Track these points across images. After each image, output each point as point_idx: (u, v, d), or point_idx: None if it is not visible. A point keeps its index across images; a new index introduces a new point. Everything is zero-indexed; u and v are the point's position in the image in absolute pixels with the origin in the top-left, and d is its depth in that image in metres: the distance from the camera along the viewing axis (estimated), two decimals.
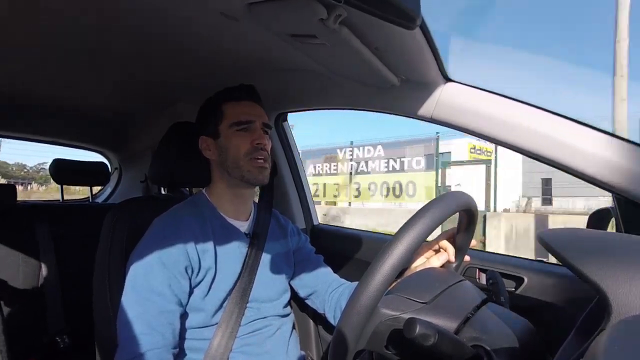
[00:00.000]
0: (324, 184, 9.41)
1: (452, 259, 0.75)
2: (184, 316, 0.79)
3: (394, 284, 0.60)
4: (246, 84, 0.90)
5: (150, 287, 0.73)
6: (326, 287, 0.98)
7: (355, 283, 0.65)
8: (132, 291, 0.74)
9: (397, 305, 0.54)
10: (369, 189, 8.72)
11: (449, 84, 0.81)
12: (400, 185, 8.15)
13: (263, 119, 0.89)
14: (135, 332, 0.70)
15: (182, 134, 0.97)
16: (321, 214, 8.00)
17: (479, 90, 0.78)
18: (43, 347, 1.29)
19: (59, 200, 1.74)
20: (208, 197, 0.90)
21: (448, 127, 0.82)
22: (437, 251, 0.79)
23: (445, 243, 0.77)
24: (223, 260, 0.83)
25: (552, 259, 0.54)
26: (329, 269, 1.04)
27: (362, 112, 1.05)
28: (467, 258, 0.79)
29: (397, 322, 0.51)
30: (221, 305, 0.82)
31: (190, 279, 0.78)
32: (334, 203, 9.69)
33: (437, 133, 7.68)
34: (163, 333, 0.72)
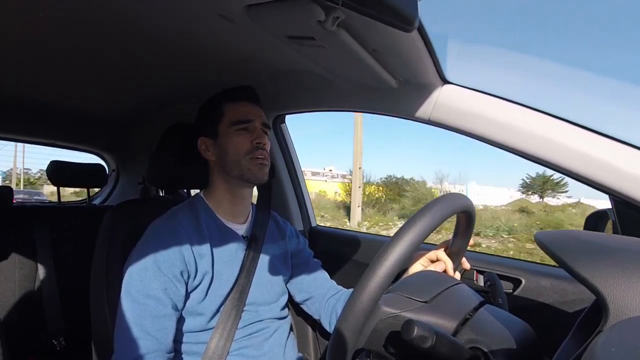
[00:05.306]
0: None
1: (451, 272, 0.75)
2: (180, 320, 0.78)
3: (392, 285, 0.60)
4: (246, 85, 0.91)
5: (146, 292, 0.73)
6: (323, 293, 0.97)
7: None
8: (127, 296, 0.73)
9: (397, 304, 0.54)
10: None
11: (447, 86, 0.81)
12: None
13: (262, 119, 0.89)
14: (131, 336, 0.69)
15: (180, 136, 0.97)
16: None
17: (477, 93, 0.78)
18: (41, 348, 1.28)
19: (56, 202, 1.73)
20: (205, 199, 0.89)
21: (445, 129, 0.82)
22: (433, 261, 0.79)
23: (443, 255, 0.76)
24: (220, 264, 0.82)
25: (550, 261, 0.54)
26: (326, 275, 1.03)
27: None
28: (466, 265, 0.79)
29: (397, 320, 0.51)
30: (218, 309, 0.81)
31: (186, 284, 0.78)
32: None
33: None
34: (158, 338, 0.71)
